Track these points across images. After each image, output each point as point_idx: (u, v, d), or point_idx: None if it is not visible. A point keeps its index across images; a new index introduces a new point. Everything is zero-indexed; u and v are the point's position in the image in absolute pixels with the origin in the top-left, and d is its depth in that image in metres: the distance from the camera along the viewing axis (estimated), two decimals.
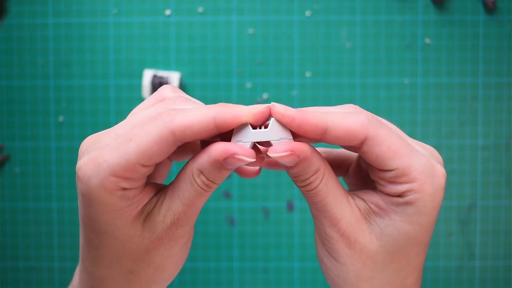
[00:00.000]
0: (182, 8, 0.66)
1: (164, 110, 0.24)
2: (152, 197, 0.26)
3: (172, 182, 0.26)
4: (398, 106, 0.66)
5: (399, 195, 0.25)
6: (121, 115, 0.66)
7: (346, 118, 0.23)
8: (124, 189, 0.24)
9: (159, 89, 0.27)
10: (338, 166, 0.32)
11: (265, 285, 0.66)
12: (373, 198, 0.26)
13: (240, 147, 0.24)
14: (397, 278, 0.26)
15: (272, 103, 0.24)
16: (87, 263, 0.27)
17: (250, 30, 0.66)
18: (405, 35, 0.66)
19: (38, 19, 0.66)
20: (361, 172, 0.30)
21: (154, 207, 0.26)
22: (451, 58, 0.66)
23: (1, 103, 0.66)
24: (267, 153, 0.24)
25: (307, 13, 0.66)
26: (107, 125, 0.66)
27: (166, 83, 0.63)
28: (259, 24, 0.66)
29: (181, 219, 0.25)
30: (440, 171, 0.25)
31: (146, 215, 0.26)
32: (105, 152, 0.24)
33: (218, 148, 0.24)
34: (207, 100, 0.66)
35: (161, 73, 0.63)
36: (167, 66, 0.66)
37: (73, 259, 0.66)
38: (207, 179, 0.24)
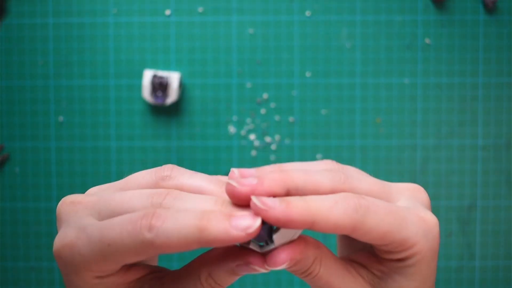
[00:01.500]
0: (182, 8, 0.66)
1: (146, 216, 0.22)
2: (141, 279, 0.26)
3: (174, 274, 0.25)
4: (398, 106, 0.66)
5: (399, 260, 0.25)
6: (121, 115, 0.66)
7: (333, 212, 0.23)
8: (101, 277, 0.24)
9: (160, 168, 0.26)
10: None
11: (265, 285, 0.66)
12: (374, 264, 0.26)
13: (256, 256, 0.23)
14: None
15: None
16: None
17: (250, 30, 0.66)
18: (405, 35, 0.66)
19: (38, 19, 0.66)
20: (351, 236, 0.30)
21: None
22: (451, 58, 0.66)
23: (1, 103, 0.66)
24: (266, 265, 0.23)
25: (307, 13, 0.66)
26: (107, 125, 0.66)
27: (166, 83, 0.63)
28: (259, 24, 0.66)
29: None
30: (432, 222, 0.25)
31: None
32: (81, 243, 0.23)
33: (234, 256, 0.23)
34: (207, 100, 0.66)
35: (161, 73, 0.63)
36: (167, 66, 0.66)
37: None
38: (215, 282, 0.24)
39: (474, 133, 0.66)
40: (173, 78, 0.63)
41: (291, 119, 0.66)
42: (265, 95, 0.66)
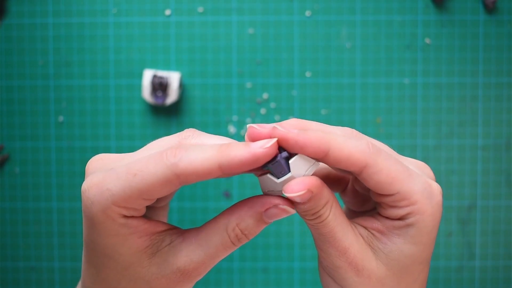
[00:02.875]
0: (182, 8, 0.66)
1: (171, 148, 0.23)
2: (161, 233, 0.26)
3: (196, 229, 0.26)
4: (398, 106, 0.66)
5: (400, 218, 0.25)
6: (121, 115, 0.66)
7: (348, 143, 0.24)
8: (126, 217, 0.24)
9: (182, 132, 0.27)
10: (336, 183, 0.32)
11: (265, 285, 0.66)
12: (374, 224, 0.27)
13: (282, 199, 0.24)
14: None
15: (273, 126, 0.24)
16: (87, 281, 0.27)
17: (250, 30, 0.66)
18: (405, 35, 0.66)
19: (38, 19, 0.66)
20: (358, 192, 0.30)
21: (167, 246, 0.26)
22: (451, 58, 0.66)
23: (1, 103, 0.66)
24: (284, 193, 0.24)
25: (307, 13, 0.66)
26: (107, 125, 0.66)
27: (166, 83, 0.63)
28: (259, 24, 0.66)
29: (198, 269, 0.25)
30: (436, 189, 0.26)
31: (156, 251, 0.25)
32: (109, 179, 0.24)
33: (261, 201, 0.24)
34: (207, 100, 0.66)
35: (161, 73, 0.63)
36: (167, 66, 0.66)
37: (73, 259, 0.67)
38: (242, 232, 0.25)
39: (474, 133, 0.66)
40: (173, 78, 0.63)
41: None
42: (265, 95, 0.66)
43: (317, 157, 0.24)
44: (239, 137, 0.66)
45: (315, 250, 0.66)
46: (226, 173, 0.23)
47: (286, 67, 0.66)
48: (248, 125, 0.25)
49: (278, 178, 0.24)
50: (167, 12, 0.66)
